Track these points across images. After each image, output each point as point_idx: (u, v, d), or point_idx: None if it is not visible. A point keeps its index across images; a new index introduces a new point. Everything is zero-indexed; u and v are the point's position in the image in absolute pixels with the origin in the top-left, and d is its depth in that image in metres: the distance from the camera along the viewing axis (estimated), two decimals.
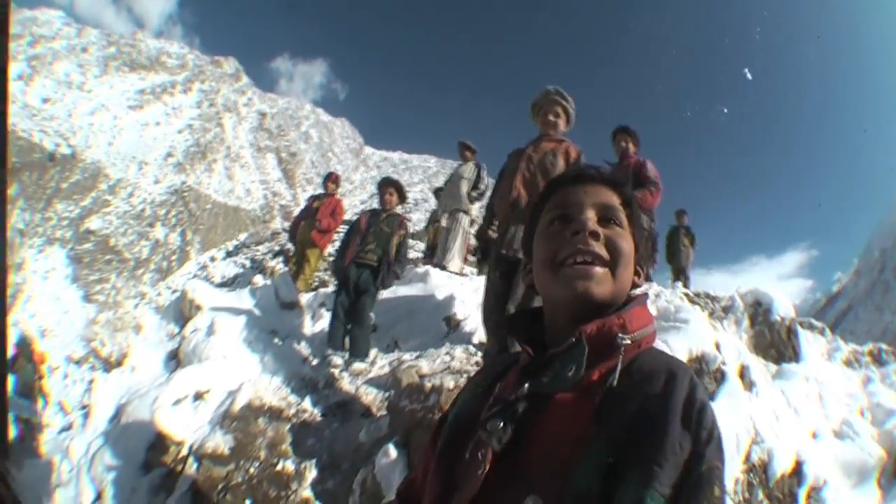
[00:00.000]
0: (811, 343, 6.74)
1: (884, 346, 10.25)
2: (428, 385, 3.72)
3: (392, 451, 3.40)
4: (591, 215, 0.98)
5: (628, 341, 0.87)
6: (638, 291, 1.03)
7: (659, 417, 0.78)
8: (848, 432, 4.64)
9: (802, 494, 3.70)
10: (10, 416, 3.67)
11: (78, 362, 4.48)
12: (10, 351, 3.89)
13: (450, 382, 3.70)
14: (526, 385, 0.90)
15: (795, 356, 5.80)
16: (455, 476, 0.89)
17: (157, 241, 69.40)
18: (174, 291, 12.95)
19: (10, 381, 3.85)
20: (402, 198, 6.04)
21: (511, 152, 4.24)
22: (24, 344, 4.20)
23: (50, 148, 66.39)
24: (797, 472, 3.79)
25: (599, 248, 0.94)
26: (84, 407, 4.08)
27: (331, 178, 8.93)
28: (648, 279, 4.55)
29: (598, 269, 0.92)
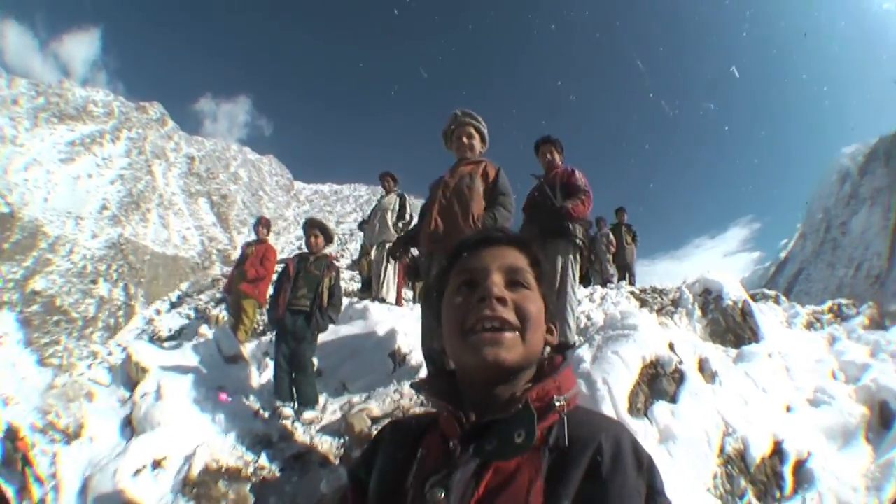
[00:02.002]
0: (768, 315, 6.82)
1: (843, 301, 10.53)
2: (374, 431, 3.62)
3: None
4: (497, 280, 0.97)
5: (563, 402, 0.90)
6: (579, 352, 1.05)
7: (617, 470, 0.82)
8: (823, 398, 4.67)
9: (788, 471, 3.69)
10: (12, 489, 3.70)
11: (42, 431, 4.29)
12: None
13: None
14: (470, 451, 0.88)
15: (755, 336, 5.86)
16: None
17: (101, 297, 68.97)
18: (124, 349, 12.67)
19: None
20: (329, 238, 5.97)
21: (431, 184, 4.17)
22: None
23: None
24: (777, 451, 3.78)
25: (507, 314, 0.94)
26: (53, 478, 3.90)
27: (261, 223, 8.91)
28: (562, 335, 4.56)
29: (508, 335, 0.92)
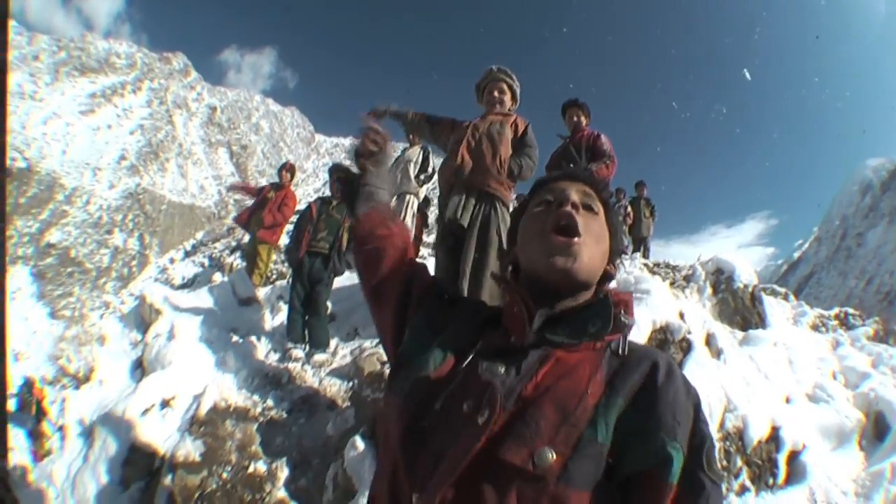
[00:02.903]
0: (776, 308, 6.83)
1: (850, 311, 10.51)
2: (386, 371, 3.62)
3: (359, 444, 3.35)
4: (574, 197, 1.07)
5: (627, 322, 0.98)
6: (613, 283, 1.13)
7: (671, 385, 0.90)
8: (822, 396, 4.69)
9: (782, 459, 3.73)
10: (23, 432, 3.82)
11: (52, 383, 4.35)
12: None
13: None
14: (537, 333, 0.95)
15: (761, 322, 5.86)
16: (448, 421, 0.89)
17: (116, 247, 68.79)
18: (136, 297, 12.79)
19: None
20: None
21: (456, 123, 4.15)
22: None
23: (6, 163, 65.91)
24: (774, 437, 3.82)
25: (580, 219, 1.02)
26: (60, 428, 3.97)
27: (286, 168, 8.76)
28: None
29: (576, 242, 0.99)
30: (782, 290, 11.53)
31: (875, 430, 4.43)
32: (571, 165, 4.99)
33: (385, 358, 4.21)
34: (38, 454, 3.80)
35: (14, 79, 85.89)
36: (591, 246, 1.02)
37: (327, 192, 5.97)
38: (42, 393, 4.11)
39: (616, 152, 5.18)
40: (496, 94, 4.10)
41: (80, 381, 4.44)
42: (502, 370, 0.91)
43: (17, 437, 3.79)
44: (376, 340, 4.94)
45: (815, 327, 9.08)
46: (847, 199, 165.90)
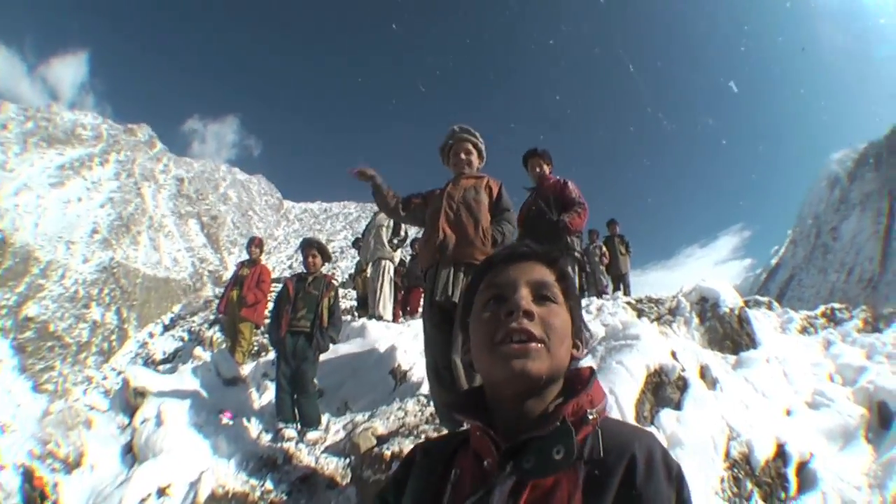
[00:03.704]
0: (763, 322, 6.86)
1: (836, 305, 10.59)
2: (387, 453, 3.64)
3: None
4: (524, 294, 1.00)
5: (596, 415, 0.93)
6: (582, 363, 1.07)
7: (650, 480, 0.85)
8: (822, 401, 4.70)
9: (791, 473, 3.71)
10: None
11: (40, 458, 4.23)
12: None
13: (408, 446, 3.56)
14: (507, 469, 0.89)
15: (752, 342, 5.90)
16: None
17: (94, 322, 68.51)
18: (119, 373, 12.60)
19: None
20: (326, 257, 5.97)
21: (425, 193, 4.13)
22: None
23: None
24: (781, 453, 3.79)
25: (534, 328, 0.95)
26: None
27: (254, 243, 8.84)
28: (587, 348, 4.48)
29: (533, 346, 0.94)
30: (765, 299, 11.58)
31: (880, 420, 4.44)
32: (546, 217, 4.97)
33: (380, 432, 4.17)
34: None
35: None
36: (554, 343, 0.97)
37: (301, 260, 5.97)
38: (43, 482, 3.98)
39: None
40: (463, 155, 4.07)
41: (70, 465, 4.31)
42: None
43: None
44: (368, 413, 4.92)
45: (804, 329, 9.12)
46: (817, 196, 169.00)
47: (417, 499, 1.00)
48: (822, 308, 10.64)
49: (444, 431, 3.59)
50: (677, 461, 0.90)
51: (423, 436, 3.78)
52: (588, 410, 0.93)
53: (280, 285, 5.78)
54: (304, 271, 5.82)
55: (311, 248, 5.81)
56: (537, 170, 5.53)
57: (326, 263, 6.01)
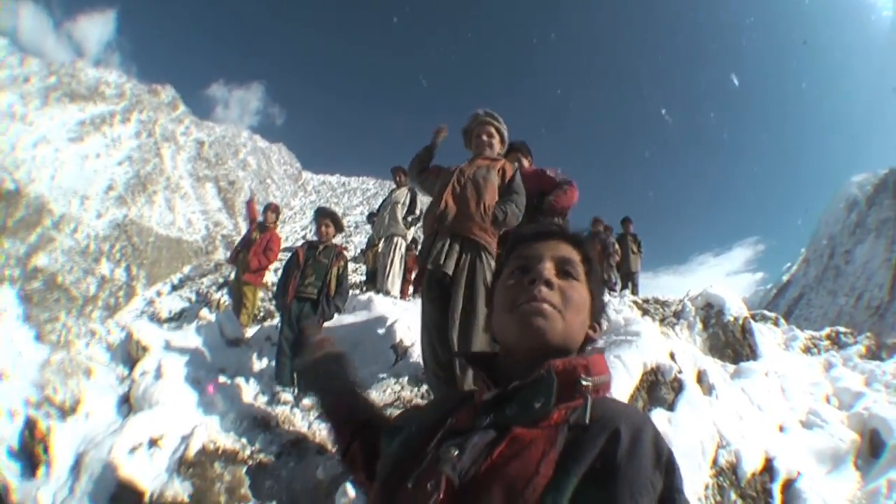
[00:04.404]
0: (767, 336, 6.86)
1: (842, 329, 10.55)
2: None
3: (350, 490, 3.31)
4: (548, 266, 1.04)
5: (590, 383, 0.92)
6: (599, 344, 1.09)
7: (633, 457, 0.81)
8: (816, 421, 4.71)
9: (777, 489, 3.73)
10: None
11: (36, 405, 4.28)
12: None
13: None
14: (488, 416, 0.92)
15: (753, 353, 5.91)
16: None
17: (103, 277, 68.79)
18: (123, 329, 12.67)
19: None
20: (339, 228, 6.02)
21: (442, 169, 4.15)
22: None
23: None
24: (768, 468, 3.82)
25: (552, 297, 1.00)
26: (46, 454, 3.89)
27: (270, 209, 8.88)
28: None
29: (549, 308, 0.98)
30: (772, 314, 11.56)
31: (870, 448, 4.46)
32: (534, 202, 4.83)
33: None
34: (25, 475, 3.75)
35: (4, 98, 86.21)
36: (569, 314, 1.00)
37: (313, 235, 6.01)
38: (43, 434, 4.03)
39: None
40: (484, 137, 4.10)
41: (65, 412, 4.37)
42: (455, 452, 0.87)
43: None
44: (365, 385, 4.92)
45: (807, 350, 9.11)
46: (833, 217, 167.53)
47: (409, 440, 1.03)
48: (827, 330, 10.61)
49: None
50: (669, 447, 0.87)
51: (400, 409, 3.80)
52: (582, 376, 0.93)
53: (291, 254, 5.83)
54: (316, 240, 5.86)
55: (325, 218, 5.86)
56: (515, 164, 5.40)
57: (339, 234, 6.05)
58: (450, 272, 3.62)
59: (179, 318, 10.57)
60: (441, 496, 0.83)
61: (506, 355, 1.05)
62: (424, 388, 4.45)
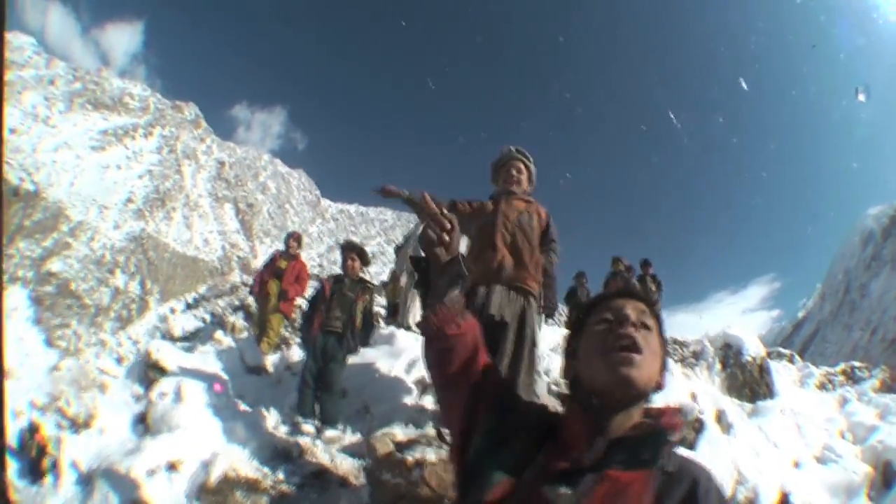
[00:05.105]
0: (783, 375, 6.86)
1: (856, 364, 10.46)
2: (410, 459, 3.59)
3: None
4: (633, 317, 1.16)
5: (675, 438, 1.11)
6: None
7: (709, 499, 1.01)
8: (830, 456, 4.72)
9: None
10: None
11: (42, 409, 4.31)
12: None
13: (431, 456, 3.57)
14: (590, 457, 1.05)
15: (769, 392, 5.93)
16: None
17: (116, 288, 69.19)
18: (135, 342, 12.71)
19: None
20: (365, 262, 5.97)
21: (475, 204, 4.08)
22: None
23: (15, 182, 65.80)
24: (784, 502, 3.80)
25: (639, 337, 1.12)
26: (54, 465, 3.86)
27: (293, 237, 8.78)
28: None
29: (637, 356, 1.09)
30: (787, 352, 11.50)
31: (883, 480, 4.47)
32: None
33: (398, 438, 4.22)
34: (23, 477, 3.76)
35: (28, 98, 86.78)
36: (649, 360, 1.12)
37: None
38: (45, 440, 4.02)
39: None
40: (514, 172, 4.12)
41: (78, 425, 4.37)
42: (564, 490, 1.00)
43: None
44: (387, 419, 4.91)
45: (823, 385, 9.06)
46: (850, 251, 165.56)
47: (515, 456, 1.12)
48: (842, 366, 10.54)
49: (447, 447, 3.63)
50: (726, 494, 1.06)
51: (432, 448, 3.77)
52: (669, 431, 1.08)
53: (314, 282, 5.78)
54: (341, 274, 5.82)
55: (351, 252, 5.82)
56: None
57: (365, 268, 6.02)
58: (508, 320, 3.68)
59: (193, 339, 10.50)
60: None
61: (592, 395, 1.14)
62: None
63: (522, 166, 4.16)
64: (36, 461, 3.88)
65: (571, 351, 1.27)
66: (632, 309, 1.17)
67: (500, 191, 4.16)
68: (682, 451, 1.17)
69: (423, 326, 1.35)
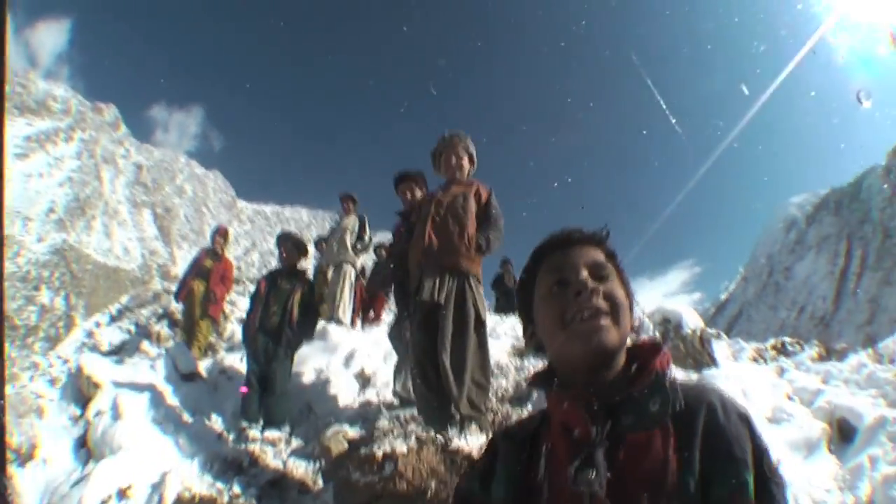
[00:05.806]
0: (717, 348, 7.05)
1: (787, 339, 10.80)
2: (378, 453, 3.36)
3: None
4: (585, 274, 1.07)
5: (672, 374, 1.02)
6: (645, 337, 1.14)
7: (728, 418, 0.96)
8: (782, 416, 4.81)
9: None
10: None
11: None
12: None
13: (401, 447, 3.37)
14: (606, 428, 0.97)
15: (712, 362, 6.09)
16: None
17: (43, 305, 66.70)
18: (65, 361, 12.25)
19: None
20: (302, 252, 5.83)
21: (422, 199, 4.18)
22: None
23: None
24: None
25: (601, 302, 1.04)
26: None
27: (219, 233, 8.69)
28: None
29: (604, 321, 1.02)
30: (714, 330, 11.79)
31: (840, 435, 4.54)
32: None
33: (350, 435, 4.16)
34: None
35: None
36: (619, 315, 1.05)
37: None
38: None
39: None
40: (454, 160, 4.10)
41: (23, 458, 4.15)
42: (592, 473, 0.92)
43: None
44: (334, 417, 4.85)
45: (755, 360, 9.30)
46: (772, 237, 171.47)
47: (511, 480, 1.07)
48: (772, 341, 10.84)
49: (415, 435, 3.55)
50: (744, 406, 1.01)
51: (399, 438, 3.66)
52: (665, 371, 1.01)
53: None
54: (278, 267, 5.70)
55: (286, 242, 5.68)
56: (408, 194, 5.04)
57: (304, 258, 5.90)
58: (442, 302, 3.65)
59: (120, 352, 10.15)
60: None
61: (564, 366, 1.09)
62: (401, 414, 4.29)
63: (461, 150, 4.14)
64: None
65: (526, 313, 1.19)
66: (583, 262, 1.09)
67: (448, 179, 4.17)
68: (678, 375, 1.06)
69: None
